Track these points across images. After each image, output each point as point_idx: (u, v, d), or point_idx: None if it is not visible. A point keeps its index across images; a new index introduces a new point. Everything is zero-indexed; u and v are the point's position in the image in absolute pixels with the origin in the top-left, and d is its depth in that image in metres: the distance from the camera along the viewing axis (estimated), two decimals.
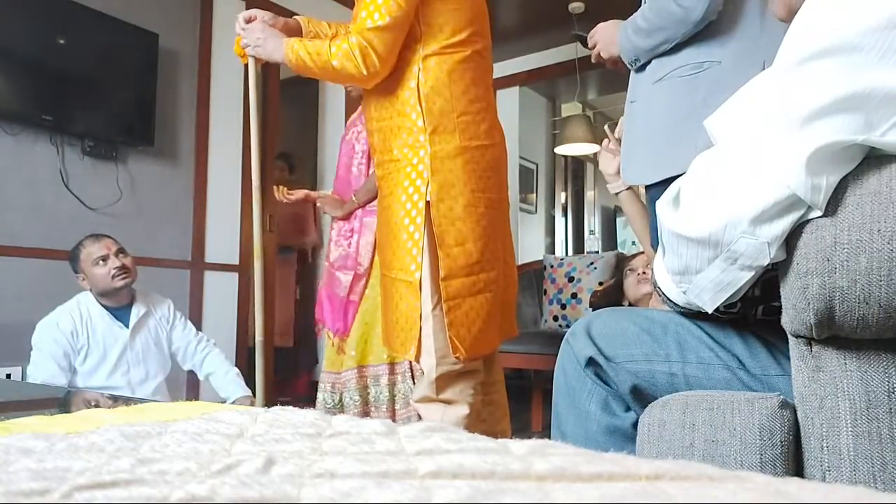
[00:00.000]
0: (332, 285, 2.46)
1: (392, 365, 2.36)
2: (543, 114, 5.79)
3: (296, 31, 1.85)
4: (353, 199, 2.43)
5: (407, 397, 2.28)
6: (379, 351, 2.32)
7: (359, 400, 2.36)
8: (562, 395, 1.00)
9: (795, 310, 0.72)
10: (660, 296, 0.95)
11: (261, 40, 1.73)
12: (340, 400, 2.39)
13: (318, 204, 2.58)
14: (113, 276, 2.26)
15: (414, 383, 2.28)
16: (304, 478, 0.38)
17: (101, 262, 2.27)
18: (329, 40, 1.64)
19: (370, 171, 2.39)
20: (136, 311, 2.36)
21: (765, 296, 0.89)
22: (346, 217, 2.49)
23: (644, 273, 2.50)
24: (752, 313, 0.92)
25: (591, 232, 6.45)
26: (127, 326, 2.33)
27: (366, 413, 2.37)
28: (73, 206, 2.88)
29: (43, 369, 2.18)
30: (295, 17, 1.88)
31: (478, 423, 1.68)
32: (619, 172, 1.66)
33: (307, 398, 3.48)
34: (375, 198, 2.20)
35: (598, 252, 5.20)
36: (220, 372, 2.48)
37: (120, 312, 2.34)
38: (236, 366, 3.48)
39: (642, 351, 0.94)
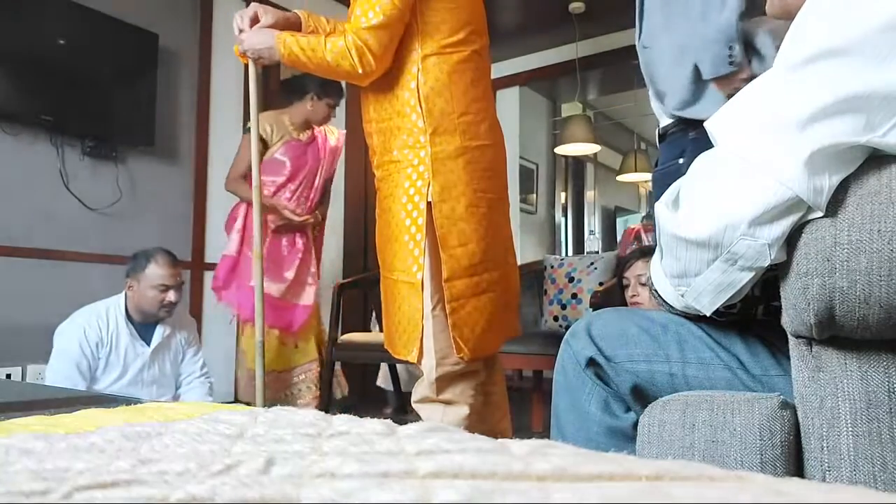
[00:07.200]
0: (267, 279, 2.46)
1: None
2: (543, 114, 5.79)
3: (295, 25, 1.85)
4: (318, 215, 2.45)
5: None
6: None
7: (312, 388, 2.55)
8: (562, 396, 1.00)
9: (795, 310, 0.72)
10: (656, 298, 0.94)
11: (253, 43, 1.73)
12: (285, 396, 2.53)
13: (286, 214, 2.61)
14: (160, 307, 2.28)
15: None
16: (304, 478, 0.38)
17: (161, 289, 2.26)
18: (325, 36, 1.64)
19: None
20: (161, 332, 2.36)
21: (765, 296, 0.89)
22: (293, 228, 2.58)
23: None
24: (752, 313, 0.92)
25: (591, 232, 6.45)
26: (149, 345, 2.33)
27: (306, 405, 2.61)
28: (73, 206, 2.88)
29: (64, 376, 2.17)
30: (295, 11, 1.88)
31: (478, 423, 1.68)
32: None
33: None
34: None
35: (598, 252, 5.20)
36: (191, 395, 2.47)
37: (145, 330, 2.34)
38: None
39: (642, 351, 0.94)
